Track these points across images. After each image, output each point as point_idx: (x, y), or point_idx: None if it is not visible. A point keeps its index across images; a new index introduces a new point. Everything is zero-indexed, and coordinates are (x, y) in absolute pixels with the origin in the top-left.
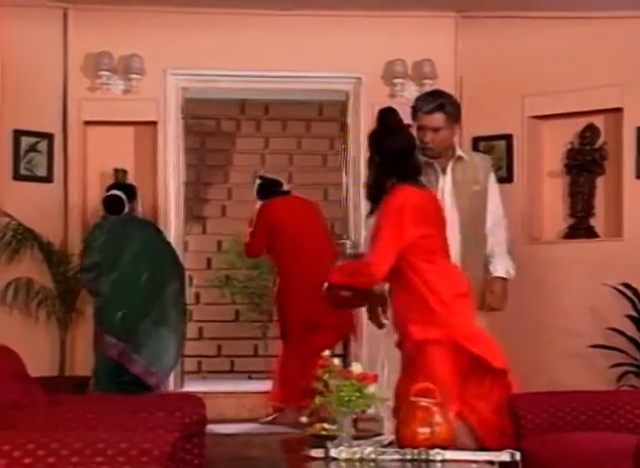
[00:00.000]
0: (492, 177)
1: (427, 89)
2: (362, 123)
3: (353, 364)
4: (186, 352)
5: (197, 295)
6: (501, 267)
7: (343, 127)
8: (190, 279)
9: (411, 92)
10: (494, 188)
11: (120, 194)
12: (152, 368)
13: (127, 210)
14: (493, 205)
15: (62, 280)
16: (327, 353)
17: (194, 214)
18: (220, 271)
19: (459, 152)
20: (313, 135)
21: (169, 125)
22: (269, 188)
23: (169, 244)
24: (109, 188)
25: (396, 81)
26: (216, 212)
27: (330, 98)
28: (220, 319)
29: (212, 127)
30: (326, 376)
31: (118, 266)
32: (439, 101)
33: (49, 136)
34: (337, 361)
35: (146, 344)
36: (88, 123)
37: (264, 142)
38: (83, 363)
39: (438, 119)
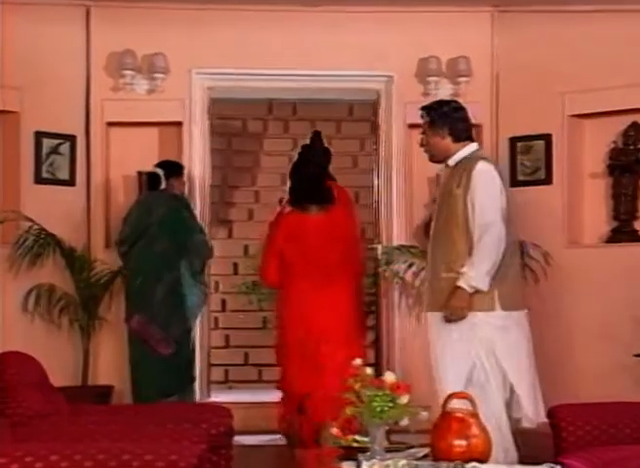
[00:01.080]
0: (475, 179)
1: (462, 87)
2: (394, 123)
3: (386, 373)
4: (213, 361)
5: (223, 302)
6: (462, 278)
7: (375, 127)
8: (216, 285)
9: (445, 90)
10: (475, 190)
11: (158, 171)
12: (165, 335)
13: (163, 186)
14: (473, 208)
15: (85, 286)
16: (358, 361)
17: (220, 217)
18: (247, 277)
19: (448, 160)
20: (343, 135)
21: (194, 126)
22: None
23: (191, 218)
24: (156, 165)
25: (430, 79)
26: (242, 215)
27: (360, 98)
28: (248, 326)
29: (238, 128)
30: (357, 386)
31: (144, 237)
32: (427, 107)
33: (71, 138)
34: (368, 370)
35: (160, 312)
36: (111, 124)
37: (292, 143)
38: (107, 372)
39: (423, 124)
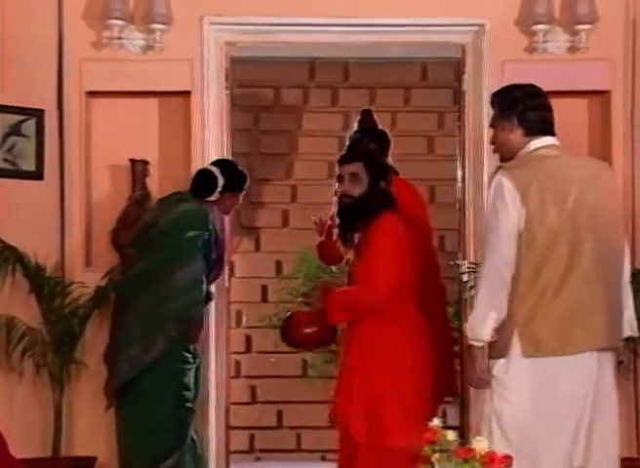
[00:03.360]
0: (488, 201)
1: (583, 38)
2: (486, 90)
3: (476, 439)
4: (233, 422)
5: (248, 340)
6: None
7: (458, 96)
8: (238, 316)
9: (558, 43)
10: (485, 216)
11: (219, 177)
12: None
13: (214, 196)
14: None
15: (58, 319)
16: (436, 422)
17: (243, 223)
18: (281, 305)
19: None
20: (414, 108)
21: (208, 96)
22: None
23: (195, 246)
24: (215, 164)
25: (537, 28)
26: (274, 220)
27: (439, 56)
28: (281, 374)
29: (268, 99)
30: (435, 457)
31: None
32: (496, 93)
33: (38, 114)
34: (451, 434)
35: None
36: (93, 94)
37: (343, 120)
38: (87, 437)
39: (493, 115)
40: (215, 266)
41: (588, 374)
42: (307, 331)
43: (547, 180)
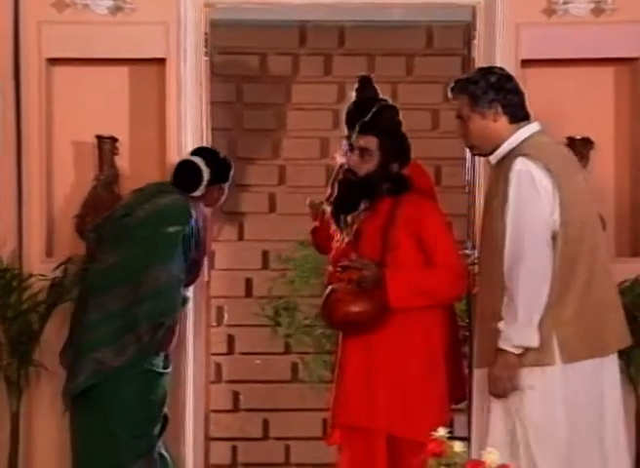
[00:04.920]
0: (511, 190)
1: (609, 0)
2: (499, 58)
3: (487, 450)
4: (214, 433)
5: (230, 339)
6: (500, 337)
7: (468, 65)
8: (219, 312)
9: (581, 4)
10: (510, 207)
11: (202, 168)
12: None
13: (199, 192)
14: (507, 234)
15: (15, 316)
16: (441, 432)
17: (225, 208)
18: (271, 300)
19: (495, 153)
20: (417, 78)
21: (184, 64)
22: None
23: (174, 245)
24: (195, 154)
25: None
26: (259, 205)
27: (446, 19)
28: (268, 379)
29: (253, 67)
30: None
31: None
32: (463, 80)
33: None
34: (458, 445)
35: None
36: (54, 62)
37: (338, 91)
38: (49, 452)
39: (459, 105)
40: (192, 268)
41: (618, 374)
42: (355, 309)
43: (569, 169)
